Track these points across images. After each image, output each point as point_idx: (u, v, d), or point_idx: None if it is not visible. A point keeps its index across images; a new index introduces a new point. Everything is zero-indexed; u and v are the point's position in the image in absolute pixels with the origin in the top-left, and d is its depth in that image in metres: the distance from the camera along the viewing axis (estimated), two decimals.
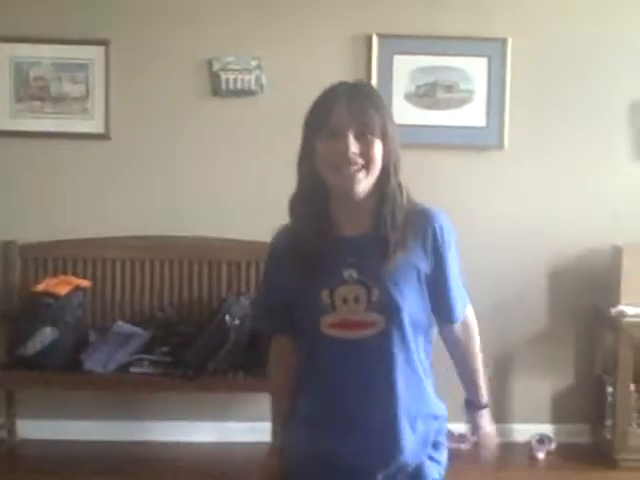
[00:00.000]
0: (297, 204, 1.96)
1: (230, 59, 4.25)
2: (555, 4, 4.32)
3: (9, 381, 3.94)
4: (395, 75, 4.31)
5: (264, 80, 4.26)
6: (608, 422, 4.22)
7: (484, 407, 2.19)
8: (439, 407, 2.05)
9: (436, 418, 2.02)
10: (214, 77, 4.27)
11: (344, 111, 1.84)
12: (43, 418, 4.21)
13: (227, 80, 4.27)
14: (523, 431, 4.36)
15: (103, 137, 4.27)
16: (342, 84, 1.92)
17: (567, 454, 4.29)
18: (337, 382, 1.92)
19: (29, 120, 4.27)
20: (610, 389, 4.20)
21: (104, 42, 4.23)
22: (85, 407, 4.24)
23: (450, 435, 4.21)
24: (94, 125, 4.28)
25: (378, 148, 1.85)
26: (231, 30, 4.26)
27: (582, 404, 4.43)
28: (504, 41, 4.28)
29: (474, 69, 4.31)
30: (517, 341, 4.40)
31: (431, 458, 2.00)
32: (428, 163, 4.31)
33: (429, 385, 2.02)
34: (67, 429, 4.21)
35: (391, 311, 1.87)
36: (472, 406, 2.18)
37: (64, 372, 3.83)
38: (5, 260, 4.25)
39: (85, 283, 4.10)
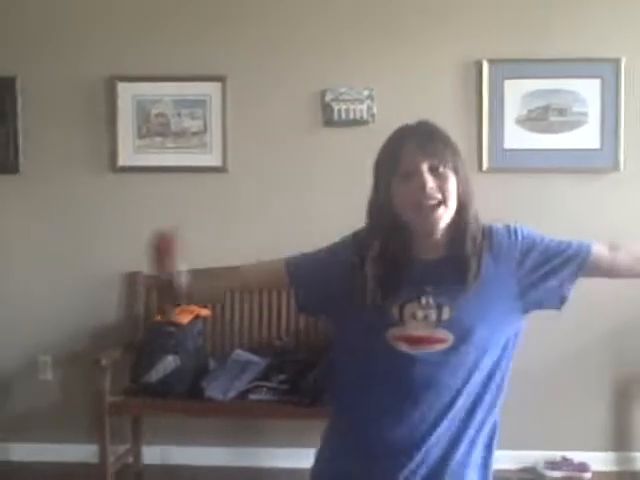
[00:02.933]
0: (370, 241, 1.95)
1: (343, 90, 4.33)
2: None
3: (134, 408, 4.07)
4: (506, 100, 4.30)
5: (375, 110, 4.32)
6: None
7: None
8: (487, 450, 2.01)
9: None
10: (327, 108, 4.36)
11: (415, 149, 1.86)
12: (167, 444, 4.35)
13: (339, 110, 4.34)
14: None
15: (221, 170, 4.41)
16: (408, 125, 1.95)
17: None
18: (389, 396, 1.91)
19: (151, 155, 4.45)
20: None
21: (220, 78, 4.38)
22: (206, 433, 4.36)
23: (570, 463, 4.16)
24: (212, 159, 4.42)
25: (452, 181, 1.87)
26: (343, 61, 4.33)
27: None
28: (617, 61, 4.22)
29: (587, 91, 4.26)
30: (638, 366, 4.28)
31: None
32: (542, 187, 4.29)
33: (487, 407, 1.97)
34: (190, 455, 4.34)
35: (461, 331, 1.87)
36: None
37: (186, 399, 3.93)
38: (130, 290, 4.42)
39: (205, 312, 4.20)
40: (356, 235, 2.01)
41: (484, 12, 4.29)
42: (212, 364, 4.14)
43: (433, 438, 1.89)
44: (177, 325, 4.00)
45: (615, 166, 4.25)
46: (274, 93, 4.38)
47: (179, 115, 4.44)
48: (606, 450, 4.33)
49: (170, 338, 3.96)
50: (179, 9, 4.41)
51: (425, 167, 1.85)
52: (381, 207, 1.92)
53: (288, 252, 4.55)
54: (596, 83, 4.26)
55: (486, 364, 1.92)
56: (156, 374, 3.92)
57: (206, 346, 4.24)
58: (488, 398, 1.94)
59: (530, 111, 4.29)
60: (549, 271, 1.96)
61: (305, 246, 4.14)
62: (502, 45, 4.28)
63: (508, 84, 4.29)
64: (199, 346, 4.11)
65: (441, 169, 1.86)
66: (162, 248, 1.95)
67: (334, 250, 2.03)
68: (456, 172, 1.88)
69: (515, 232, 1.97)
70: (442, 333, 1.87)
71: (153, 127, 4.45)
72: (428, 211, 1.85)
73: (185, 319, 4.04)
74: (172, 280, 1.94)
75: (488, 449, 2.01)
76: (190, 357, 4.00)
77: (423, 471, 1.91)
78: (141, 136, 4.45)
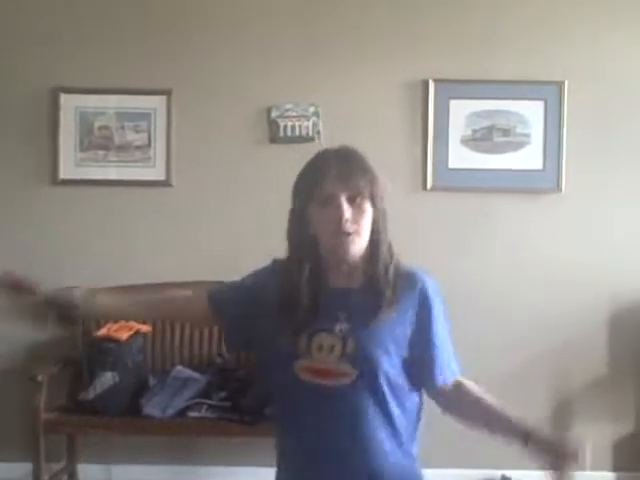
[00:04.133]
0: (290, 266, 1.97)
1: (288, 106, 4.32)
2: (610, 47, 4.31)
3: (71, 425, 3.98)
4: (452, 119, 4.33)
5: (321, 127, 4.32)
6: None
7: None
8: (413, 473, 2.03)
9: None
10: (272, 124, 4.34)
11: (334, 178, 1.88)
12: (103, 462, 4.26)
13: (285, 127, 4.33)
14: (584, 479, 4.26)
15: (164, 184, 4.36)
16: (328, 151, 1.97)
17: None
18: (310, 428, 1.93)
19: (93, 169, 4.38)
20: None
21: (166, 91, 4.34)
22: (144, 451, 4.28)
23: None
24: (156, 172, 4.37)
25: (369, 212, 1.91)
26: (289, 78, 4.33)
27: None
28: (560, 84, 4.28)
29: (530, 112, 4.31)
30: (577, 387, 4.31)
31: None
32: (485, 207, 4.32)
33: (410, 448, 2.00)
34: (127, 473, 4.25)
35: (363, 365, 1.88)
36: (523, 431, 2.03)
37: (124, 416, 3.87)
38: None
39: (145, 328, 4.15)
40: (275, 262, 2.03)
41: (431, 32, 4.32)
42: (152, 381, 4.08)
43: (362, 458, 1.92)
44: (116, 341, 3.94)
45: (557, 187, 4.30)
46: (220, 108, 4.36)
47: (123, 128, 4.39)
48: (544, 469, 4.35)
49: (109, 354, 3.90)
50: (125, 21, 4.37)
51: (343, 197, 1.88)
52: (298, 231, 1.94)
53: (230, 267, 4.52)
54: (540, 105, 4.31)
55: (395, 396, 1.93)
56: (94, 391, 3.85)
57: (146, 362, 4.17)
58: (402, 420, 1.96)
59: (475, 131, 4.33)
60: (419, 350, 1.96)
61: (247, 261, 4.13)
62: (448, 65, 4.32)
63: (453, 104, 4.32)
64: (139, 362, 4.05)
65: (358, 200, 1.90)
66: (12, 284, 2.02)
67: (256, 278, 2.05)
68: (373, 203, 1.92)
69: (426, 293, 1.97)
70: (346, 367, 1.88)
71: (96, 140, 4.39)
72: (343, 240, 1.88)
73: (124, 335, 3.98)
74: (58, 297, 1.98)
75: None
76: (129, 374, 3.94)
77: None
78: (83, 149, 4.39)
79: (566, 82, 4.28)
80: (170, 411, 3.86)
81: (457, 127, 4.33)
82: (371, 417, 1.90)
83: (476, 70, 4.31)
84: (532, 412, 4.53)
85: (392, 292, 1.91)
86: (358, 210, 1.89)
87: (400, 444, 1.96)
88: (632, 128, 4.32)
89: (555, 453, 1.89)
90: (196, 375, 4.05)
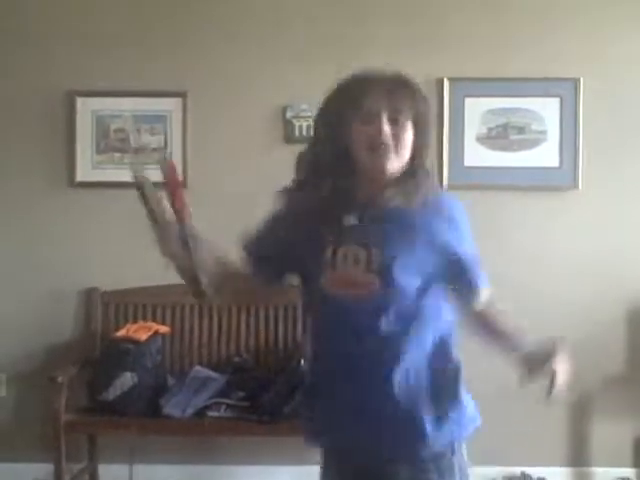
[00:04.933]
0: (316, 171, 1.98)
1: (304, 106, 4.32)
2: (626, 43, 4.29)
3: (91, 426, 4.01)
4: (467, 118, 4.33)
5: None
6: None
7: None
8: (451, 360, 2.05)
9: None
10: (288, 124, 4.35)
11: (379, 94, 1.90)
12: (124, 462, 4.27)
13: (300, 127, 4.34)
14: (603, 475, 4.27)
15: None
16: (372, 71, 1.99)
17: None
18: (334, 339, 1.97)
19: (110, 171, 4.40)
20: None
21: (181, 94, 4.35)
22: (164, 451, 4.30)
23: (528, 479, 4.17)
24: None
25: (409, 133, 1.91)
26: (304, 78, 4.32)
27: None
28: (576, 81, 4.27)
29: (546, 110, 4.30)
30: (596, 382, 4.31)
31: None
32: (501, 205, 4.32)
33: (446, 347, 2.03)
34: (146, 473, 4.26)
35: (387, 276, 1.89)
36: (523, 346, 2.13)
37: (144, 417, 3.89)
38: (87, 307, 4.36)
39: (164, 329, 4.17)
40: (286, 188, 2.09)
41: (445, 30, 4.31)
42: (171, 381, 4.10)
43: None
44: (135, 342, 3.97)
45: (574, 184, 4.29)
46: (235, 109, 4.37)
47: (139, 131, 4.40)
48: (564, 465, 4.36)
49: (128, 355, 3.92)
50: (140, 24, 4.38)
51: (385, 114, 1.89)
52: (334, 140, 1.93)
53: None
54: (555, 102, 4.30)
55: (419, 308, 1.95)
56: (113, 391, 3.87)
57: (165, 363, 4.19)
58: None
59: (490, 129, 4.32)
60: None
61: None
62: (463, 63, 4.31)
63: (469, 102, 4.32)
64: (157, 363, 4.07)
65: (401, 119, 1.90)
66: (171, 181, 2.01)
67: (276, 212, 2.13)
68: (416, 123, 1.92)
69: (451, 211, 2.00)
70: (370, 277, 1.89)
71: (112, 142, 4.41)
72: (380, 154, 1.89)
73: (143, 336, 4.00)
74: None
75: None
76: (148, 374, 3.95)
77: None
78: (100, 151, 4.41)
79: (582, 79, 4.27)
80: (189, 411, 3.87)
81: (472, 125, 4.32)
82: (393, 328, 1.92)
83: (491, 68, 4.31)
84: (552, 408, 4.55)
85: (416, 210, 1.91)
86: (399, 128, 1.89)
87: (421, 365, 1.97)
88: None
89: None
90: (215, 375, 4.07)
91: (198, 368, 4.15)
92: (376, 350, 1.93)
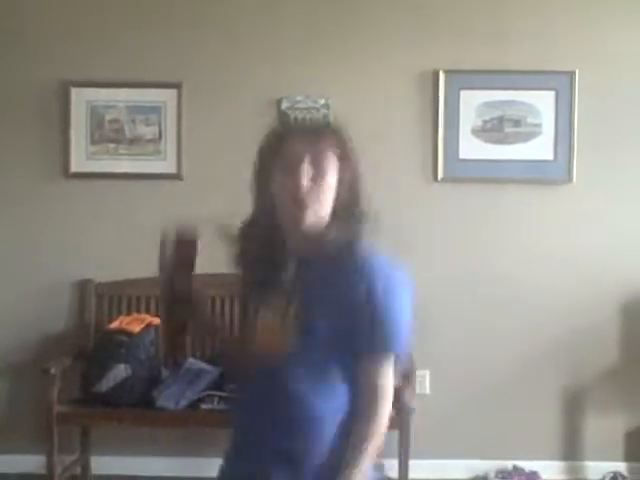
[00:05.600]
0: (253, 225, 1.98)
1: (299, 98, 4.31)
2: (621, 36, 4.29)
3: (84, 417, 4.00)
4: (462, 110, 4.32)
5: (332, 118, 4.31)
6: None
7: None
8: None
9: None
10: (283, 116, 4.34)
11: (300, 145, 1.85)
12: (116, 454, 4.28)
13: (296, 119, 4.32)
14: (596, 469, 4.28)
15: (176, 177, 4.37)
16: (297, 119, 1.97)
17: None
18: (252, 395, 1.96)
19: (104, 162, 4.39)
20: None
21: (176, 85, 4.34)
22: (157, 443, 4.30)
23: (521, 472, 4.18)
24: (167, 165, 4.38)
25: (331, 183, 1.86)
26: (300, 69, 4.32)
27: None
28: (572, 74, 4.26)
29: (541, 103, 4.29)
30: (589, 376, 4.32)
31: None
32: (496, 197, 4.32)
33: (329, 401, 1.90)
34: (139, 465, 4.27)
35: (304, 333, 1.85)
36: None
37: (137, 409, 3.88)
38: (81, 298, 4.36)
39: (157, 321, 4.16)
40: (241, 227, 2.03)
41: (441, 23, 4.31)
42: (164, 373, 4.09)
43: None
44: (128, 334, 3.95)
45: (568, 177, 4.29)
46: (230, 100, 4.35)
47: (133, 121, 4.39)
48: (556, 459, 4.36)
49: (121, 347, 3.91)
50: (134, 15, 4.36)
51: (306, 161, 1.84)
52: (263, 192, 1.93)
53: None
54: (550, 95, 4.29)
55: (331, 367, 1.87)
56: (106, 383, 3.86)
57: (158, 355, 4.17)
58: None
59: (485, 122, 4.31)
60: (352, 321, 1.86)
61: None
62: (458, 56, 4.30)
63: (464, 94, 4.31)
64: (151, 355, 4.05)
65: (323, 169, 1.85)
66: (182, 254, 1.97)
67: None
68: (339, 172, 1.87)
69: (376, 279, 1.86)
70: (287, 335, 1.86)
71: (107, 133, 4.39)
72: (299, 208, 1.84)
73: (137, 328, 3.99)
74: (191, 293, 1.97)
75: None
76: (142, 366, 3.94)
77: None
78: (94, 142, 4.40)
79: (577, 72, 4.26)
80: (183, 403, 3.87)
81: (468, 118, 4.31)
82: (305, 384, 1.86)
83: (486, 60, 4.30)
84: (544, 402, 4.57)
85: (336, 264, 1.86)
86: (320, 180, 1.85)
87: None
88: None
89: None
90: (208, 367, 4.05)
91: (192, 360, 4.13)
92: (283, 403, 1.89)
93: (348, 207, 1.89)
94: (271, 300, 1.91)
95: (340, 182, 1.87)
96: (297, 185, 1.83)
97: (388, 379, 1.88)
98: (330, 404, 1.87)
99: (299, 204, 1.84)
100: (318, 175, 1.85)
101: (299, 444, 1.88)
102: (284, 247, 1.91)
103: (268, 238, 1.92)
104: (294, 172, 1.84)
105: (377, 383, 1.86)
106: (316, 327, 1.85)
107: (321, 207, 1.86)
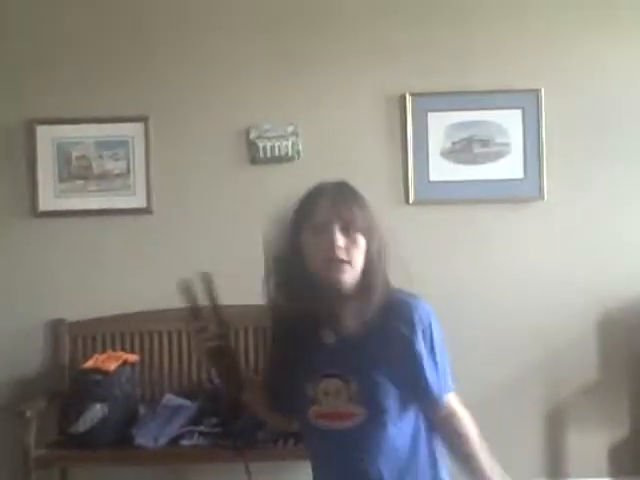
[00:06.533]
0: (289, 299, 2.01)
1: (267, 127, 4.30)
2: (585, 52, 4.32)
3: (62, 460, 3.91)
4: (430, 132, 4.33)
5: (301, 145, 4.30)
6: None
7: None
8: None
9: None
10: (251, 145, 4.32)
11: (329, 206, 1.93)
12: None
13: (264, 148, 4.32)
14: None
15: (145, 211, 4.33)
16: (326, 183, 2.03)
17: None
18: (326, 470, 2.04)
19: (73, 199, 4.34)
20: None
21: (143, 118, 4.32)
22: None
23: None
24: (136, 200, 4.34)
25: (361, 243, 1.94)
26: (266, 98, 4.32)
27: None
28: (537, 92, 4.28)
29: (509, 122, 4.31)
30: (569, 393, 4.31)
31: None
32: (468, 218, 4.32)
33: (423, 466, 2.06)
34: None
35: (370, 402, 1.94)
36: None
37: (116, 448, 3.81)
38: (54, 338, 4.29)
39: (133, 358, 4.10)
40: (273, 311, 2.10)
41: (405, 46, 4.32)
42: (142, 410, 4.03)
43: None
44: (104, 372, 3.89)
45: (539, 194, 4.30)
46: (198, 132, 4.34)
47: (101, 157, 4.36)
48: (540, 477, 4.34)
49: (97, 386, 3.84)
50: (98, 48, 4.34)
51: (337, 226, 1.91)
52: (297, 265, 1.97)
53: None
54: (517, 114, 4.31)
55: (404, 429, 2.00)
56: (84, 424, 3.79)
57: (135, 393, 4.12)
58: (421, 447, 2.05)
59: (454, 143, 4.32)
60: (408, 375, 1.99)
61: (230, 285, 4.05)
62: (424, 78, 4.32)
63: (432, 117, 4.32)
64: (128, 393, 3.99)
65: (351, 231, 1.93)
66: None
67: (272, 340, 2.14)
68: (367, 236, 1.96)
69: (418, 321, 1.98)
70: (354, 408, 1.95)
71: (75, 170, 4.35)
72: (335, 267, 1.91)
73: (112, 365, 3.93)
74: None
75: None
76: (119, 405, 3.88)
77: None
78: (62, 180, 4.35)
79: (542, 89, 4.29)
80: (162, 440, 3.81)
81: (436, 140, 4.32)
82: (379, 450, 1.97)
83: (452, 82, 4.31)
84: (526, 420, 4.55)
85: (379, 330, 1.93)
86: (351, 240, 1.92)
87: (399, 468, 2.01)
88: (611, 133, 4.33)
89: None
90: (187, 403, 4.01)
91: (169, 396, 4.09)
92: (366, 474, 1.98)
93: (373, 264, 1.97)
94: (327, 375, 1.97)
95: (366, 240, 1.96)
96: (332, 244, 1.90)
97: (453, 397, 2.08)
98: (409, 439, 2.02)
99: (337, 263, 1.91)
100: (348, 235, 1.93)
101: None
102: (321, 310, 1.96)
103: (308, 301, 1.95)
104: (326, 232, 1.91)
105: (453, 408, 2.07)
106: (381, 393, 1.94)
107: (354, 266, 1.93)
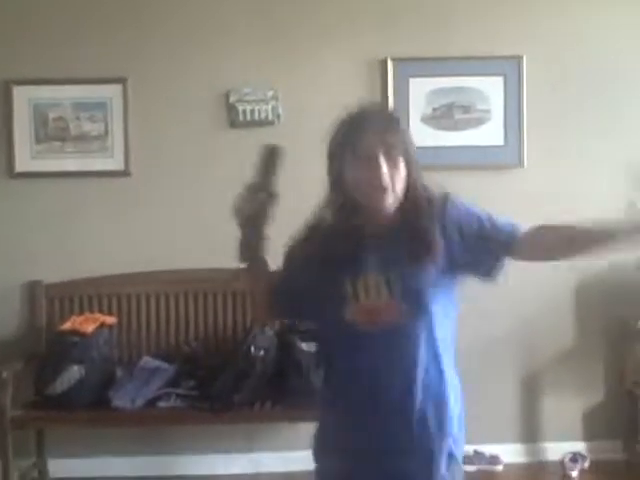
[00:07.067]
0: (328, 213, 2.08)
1: (247, 90, 4.27)
2: (568, 19, 4.31)
3: (39, 421, 3.93)
4: (411, 98, 4.32)
5: (281, 110, 4.28)
6: None
7: None
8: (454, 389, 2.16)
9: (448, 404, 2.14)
10: (231, 109, 4.30)
11: (372, 136, 1.97)
12: (73, 456, 4.21)
13: (244, 111, 4.29)
14: (555, 450, 4.31)
15: (123, 174, 4.30)
16: (362, 110, 2.05)
17: (601, 471, 4.22)
18: (366, 368, 2.01)
19: (50, 160, 4.31)
20: None
21: (121, 80, 4.27)
22: (115, 443, 4.24)
23: (482, 457, 4.19)
24: (114, 162, 4.31)
25: (402, 168, 1.99)
26: (246, 61, 4.29)
27: (614, 420, 4.37)
28: (519, 59, 4.28)
29: (490, 88, 4.30)
30: (545, 359, 4.35)
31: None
32: (448, 184, 4.29)
33: (449, 364, 2.11)
34: (97, 466, 4.21)
35: (412, 300, 1.97)
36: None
37: (92, 409, 3.82)
38: (31, 300, 4.28)
39: (110, 320, 4.10)
40: (307, 224, 2.12)
41: (388, 11, 4.29)
42: (120, 373, 4.03)
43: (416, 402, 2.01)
44: (81, 334, 3.89)
45: (519, 162, 4.31)
46: (177, 95, 4.30)
47: (78, 119, 4.32)
48: (516, 442, 4.39)
49: (74, 348, 3.85)
50: (77, 9, 4.28)
51: (381, 154, 1.96)
52: (335, 185, 2.03)
53: (192, 255, 4.44)
54: (499, 80, 4.31)
55: (439, 328, 2.04)
56: (60, 385, 3.79)
57: (113, 355, 4.12)
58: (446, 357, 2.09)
59: (435, 109, 4.31)
60: (482, 249, 2.10)
61: (208, 248, 4.09)
62: (406, 44, 4.30)
63: (413, 82, 4.30)
64: (105, 355, 4.00)
65: (394, 155, 1.98)
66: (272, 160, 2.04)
67: (290, 254, 2.14)
68: (406, 156, 2.00)
69: (460, 204, 2.13)
70: (395, 304, 1.96)
71: (51, 131, 4.32)
72: (379, 194, 1.97)
73: (89, 328, 3.93)
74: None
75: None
76: (96, 367, 3.88)
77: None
78: (39, 141, 4.32)
79: (524, 56, 4.28)
80: (139, 402, 3.82)
81: (417, 105, 4.31)
82: (423, 350, 2.00)
83: (434, 47, 4.30)
84: (502, 387, 4.58)
85: (430, 232, 2.00)
86: (393, 166, 1.97)
87: (441, 371, 2.07)
88: (591, 100, 4.33)
89: None
90: (164, 365, 4.01)
91: (147, 358, 4.09)
92: (406, 381, 2.00)
93: (415, 188, 2.03)
94: (366, 273, 1.98)
95: (406, 165, 2.00)
96: (378, 174, 1.95)
97: None
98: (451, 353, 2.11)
99: (382, 191, 1.96)
100: (391, 162, 1.97)
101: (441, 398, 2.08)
102: (364, 229, 2.03)
103: (346, 217, 2.02)
104: (372, 162, 1.95)
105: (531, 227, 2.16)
106: (422, 287, 1.98)
107: (397, 190, 1.99)
